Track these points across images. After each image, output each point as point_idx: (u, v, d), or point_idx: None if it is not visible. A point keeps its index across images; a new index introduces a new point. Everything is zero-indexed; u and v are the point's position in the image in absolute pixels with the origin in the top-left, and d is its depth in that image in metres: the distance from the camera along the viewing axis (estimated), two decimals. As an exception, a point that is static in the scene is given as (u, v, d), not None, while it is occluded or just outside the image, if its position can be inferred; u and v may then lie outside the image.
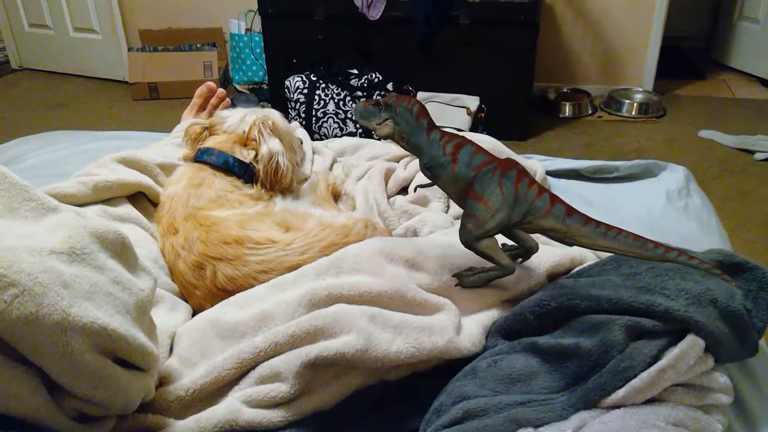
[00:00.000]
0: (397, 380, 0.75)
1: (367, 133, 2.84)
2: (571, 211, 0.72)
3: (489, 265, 0.79)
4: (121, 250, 0.62)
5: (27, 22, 4.10)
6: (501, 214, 0.72)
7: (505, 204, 0.72)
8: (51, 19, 4.00)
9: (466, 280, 0.80)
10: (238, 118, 1.14)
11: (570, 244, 0.74)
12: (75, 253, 0.56)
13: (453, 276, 0.81)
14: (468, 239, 0.75)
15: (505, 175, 0.72)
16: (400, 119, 0.80)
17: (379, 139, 0.82)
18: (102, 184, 0.96)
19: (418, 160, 1.20)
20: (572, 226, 0.71)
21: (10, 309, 0.49)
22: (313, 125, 2.86)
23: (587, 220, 0.71)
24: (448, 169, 0.75)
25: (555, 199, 0.72)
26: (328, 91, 2.85)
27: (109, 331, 0.54)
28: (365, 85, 2.83)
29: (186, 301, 0.90)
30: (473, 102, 2.85)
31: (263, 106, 1.95)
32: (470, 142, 0.76)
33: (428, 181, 0.83)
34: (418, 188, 0.90)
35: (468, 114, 2.82)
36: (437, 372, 0.76)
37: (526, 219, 0.73)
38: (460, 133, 1.05)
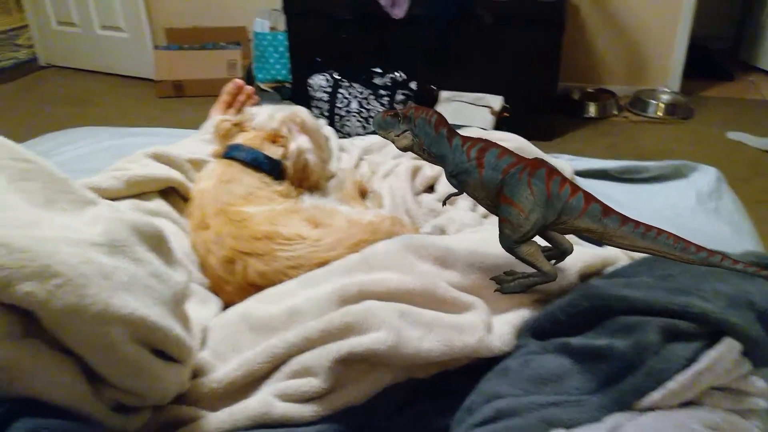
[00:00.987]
0: (427, 378, 0.75)
1: (390, 132, 2.84)
2: (608, 210, 0.70)
3: (529, 269, 0.78)
4: (158, 244, 0.63)
5: (55, 20, 4.17)
6: (534, 214, 0.70)
7: (537, 204, 0.70)
8: (78, 17, 4.06)
9: (506, 286, 0.78)
10: (267, 115, 1.15)
11: (605, 245, 0.73)
12: (114, 245, 0.57)
13: (491, 279, 0.79)
14: (508, 245, 0.73)
15: (533, 174, 0.70)
16: (418, 131, 0.78)
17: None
18: (134, 179, 0.97)
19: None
20: (609, 226, 0.69)
21: (53, 299, 0.49)
22: (336, 124, 2.87)
23: (625, 219, 0.69)
24: (474, 174, 0.74)
25: (590, 198, 0.70)
26: (352, 89, 2.85)
27: (148, 323, 0.55)
28: (389, 83, 2.83)
29: (216, 295, 0.91)
30: (497, 101, 2.84)
31: (287, 104, 1.96)
32: (495, 144, 0.75)
33: (455, 191, 0.82)
34: (446, 200, 0.89)
35: (492, 113, 2.81)
36: (466, 370, 0.76)
37: (560, 219, 0.71)
38: (485, 135, 1.04)
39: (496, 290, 0.79)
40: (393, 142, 0.81)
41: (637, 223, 0.69)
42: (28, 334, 0.51)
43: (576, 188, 0.71)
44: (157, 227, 0.64)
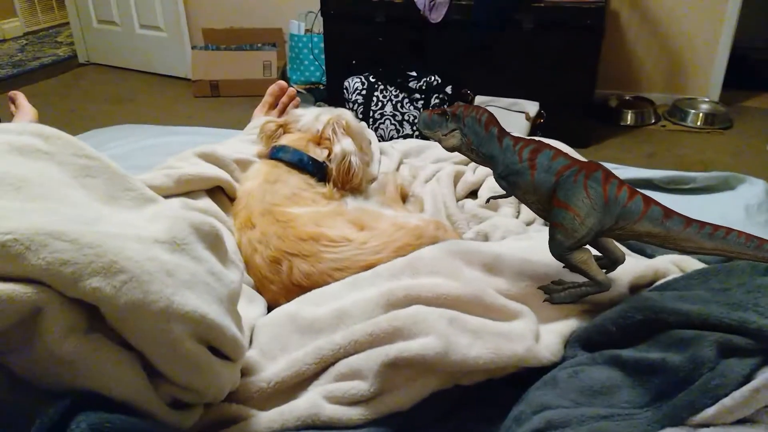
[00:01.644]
0: (472, 385, 0.74)
1: (425, 136, 2.84)
2: (669, 212, 0.68)
3: (579, 278, 0.76)
4: (215, 242, 0.64)
5: (95, 18, 4.25)
6: (591, 219, 0.68)
7: (594, 209, 0.68)
8: (118, 16, 4.14)
9: (556, 296, 0.76)
10: (313, 117, 1.15)
11: (653, 255, 0.71)
12: (176, 242, 0.58)
13: (540, 288, 0.78)
14: (559, 252, 0.71)
15: (590, 177, 0.68)
16: (468, 130, 0.76)
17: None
18: (185, 177, 0.98)
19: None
20: (672, 228, 0.67)
21: (119, 294, 0.50)
22: (370, 126, 2.88)
23: (689, 221, 0.67)
24: (526, 176, 0.72)
25: (650, 201, 0.68)
26: (386, 92, 2.86)
27: (208, 320, 0.55)
28: (423, 87, 2.83)
29: (261, 294, 0.92)
30: (533, 107, 2.81)
31: (320, 106, 1.97)
32: (548, 145, 0.73)
33: (502, 192, 0.79)
34: (491, 199, 0.87)
35: (527, 119, 2.78)
36: (510, 380, 0.75)
37: (618, 224, 0.69)
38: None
39: (545, 300, 0.78)
40: (440, 142, 0.80)
41: (703, 224, 0.67)
42: (92, 329, 0.52)
43: (634, 191, 0.69)
44: (214, 225, 0.64)
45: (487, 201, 0.90)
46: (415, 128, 2.82)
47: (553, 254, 0.73)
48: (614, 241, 0.77)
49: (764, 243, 0.65)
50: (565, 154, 0.72)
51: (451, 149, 0.80)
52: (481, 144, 0.76)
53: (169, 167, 1.00)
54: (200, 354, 0.56)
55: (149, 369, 0.55)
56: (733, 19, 3.24)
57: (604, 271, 0.78)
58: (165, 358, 0.54)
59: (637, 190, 0.69)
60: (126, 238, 0.54)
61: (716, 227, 0.66)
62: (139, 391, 0.54)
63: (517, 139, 0.75)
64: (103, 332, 0.53)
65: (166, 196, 0.96)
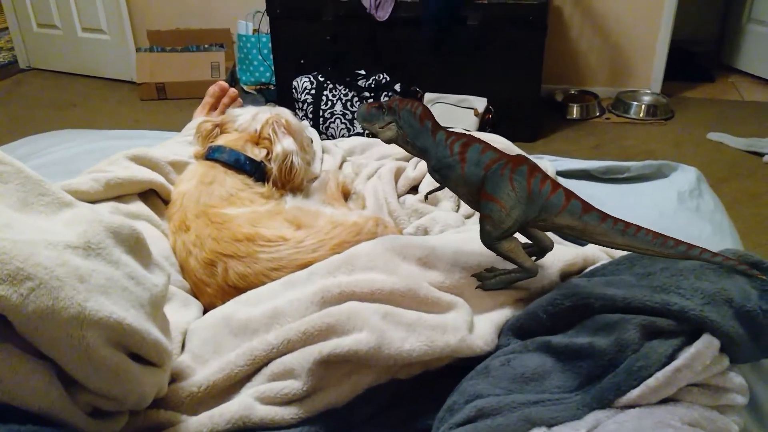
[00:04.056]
0: (409, 379, 0.74)
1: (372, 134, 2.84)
2: (587, 207, 0.70)
3: (510, 266, 0.78)
4: (136, 246, 0.62)
5: (35, 23, 4.12)
6: (516, 211, 0.70)
7: (519, 201, 0.70)
8: (59, 20, 4.02)
9: (488, 283, 0.79)
10: (250, 117, 1.14)
11: (586, 243, 0.73)
12: (91, 247, 0.56)
13: (473, 276, 0.80)
14: (489, 242, 0.74)
15: (515, 171, 0.70)
16: (403, 122, 0.78)
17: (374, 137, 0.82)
18: (114, 181, 0.96)
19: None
20: (589, 223, 0.70)
21: (27, 302, 0.48)
22: (321, 126, 2.87)
23: (604, 216, 0.70)
24: (456, 169, 0.73)
25: (570, 195, 0.70)
26: (336, 91, 2.85)
27: (125, 326, 0.54)
28: (373, 85, 2.83)
29: (197, 298, 0.90)
30: (481, 103, 2.85)
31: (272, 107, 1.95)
32: (478, 140, 0.74)
33: (437, 185, 0.81)
34: (428, 195, 0.89)
35: (476, 115, 2.82)
36: (449, 371, 0.76)
37: (541, 216, 0.71)
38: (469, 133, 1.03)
39: (477, 287, 0.79)
40: (377, 135, 0.81)
41: (616, 220, 0.69)
42: (0, 339, 0.50)
43: (557, 185, 0.71)
44: (135, 229, 0.63)
45: (426, 197, 0.91)
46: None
47: (483, 243, 0.75)
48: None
49: (668, 240, 0.68)
50: (494, 148, 0.73)
51: (388, 141, 0.81)
52: (416, 137, 0.77)
53: (98, 171, 0.98)
54: (118, 360, 0.54)
55: (67, 378, 0.54)
56: (671, 12, 3.34)
57: (534, 258, 0.80)
58: (80, 365, 0.52)
59: (561, 185, 0.71)
60: (35, 244, 0.52)
61: (628, 224, 0.69)
62: (54, 401, 0.52)
63: (450, 134, 0.76)
64: (13, 341, 0.51)
65: (96, 201, 0.93)
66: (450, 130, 0.77)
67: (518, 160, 0.72)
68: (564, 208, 0.70)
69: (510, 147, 1.20)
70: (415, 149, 0.79)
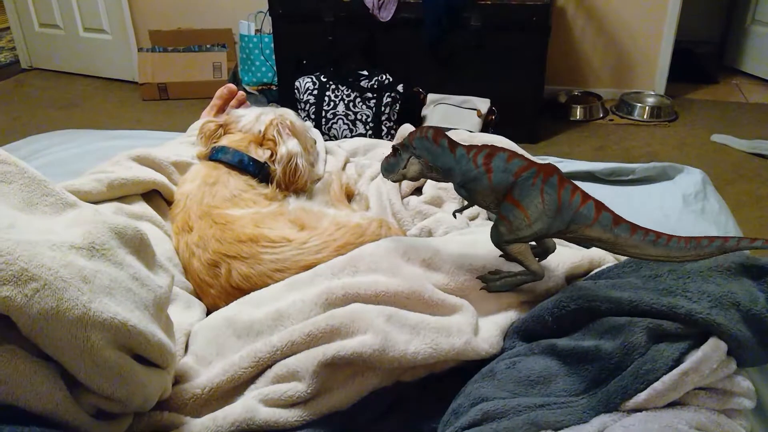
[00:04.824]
0: (414, 381, 0.74)
1: (377, 134, 2.84)
2: (618, 219, 0.68)
3: (515, 268, 0.77)
4: (140, 247, 0.62)
5: (37, 22, 4.12)
6: (539, 224, 0.69)
7: (545, 214, 0.69)
8: (61, 19, 4.02)
9: (492, 285, 0.78)
10: (254, 117, 1.14)
11: (618, 254, 0.71)
12: (95, 248, 0.56)
13: (478, 278, 0.79)
14: (499, 242, 0.73)
15: (546, 181, 0.69)
16: (419, 151, 0.76)
17: (405, 180, 0.81)
18: (117, 182, 0.95)
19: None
20: (620, 235, 0.68)
21: (31, 303, 0.48)
22: (323, 126, 2.86)
23: (635, 228, 0.68)
24: (483, 181, 0.72)
25: (601, 207, 0.69)
26: (338, 92, 2.84)
27: (129, 327, 0.53)
28: (375, 86, 2.83)
29: (200, 299, 0.90)
30: (484, 104, 2.84)
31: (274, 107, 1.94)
32: (501, 149, 0.73)
33: (465, 204, 0.80)
34: (456, 213, 0.87)
35: (478, 116, 2.81)
36: (454, 373, 0.75)
37: (570, 228, 0.70)
38: (471, 137, 1.02)
39: (481, 288, 0.79)
40: (406, 178, 0.79)
41: (647, 231, 0.68)
42: (5, 340, 0.50)
43: (587, 197, 0.69)
44: (139, 230, 0.62)
45: (454, 215, 0.89)
46: (367, 127, 2.82)
47: (492, 242, 0.74)
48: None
49: (702, 240, 0.66)
50: (520, 155, 0.72)
51: (417, 177, 0.79)
52: (436, 159, 0.76)
53: (101, 171, 0.98)
54: (122, 362, 0.54)
55: (71, 379, 0.53)
56: (676, 14, 3.33)
57: (537, 259, 0.80)
58: (84, 367, 0.52)
59: (590, 195, 0.70)
60: (40, 245, 0.52)
61: (659, 235, 0.67)
62: (58, 402, 0.52)
63: (470, 147, 0.75)
64: (18, 343, 0.50)
65: (99, 202, 0.93)
66: (468, 144, 0.76)
67: (549, 169, 0.70)
68: (595, 220, 0.68)
69: (513, 148, 1.19)
70: (439, 172, 0.77)
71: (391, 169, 0.80)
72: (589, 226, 0.69)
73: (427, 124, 2.86)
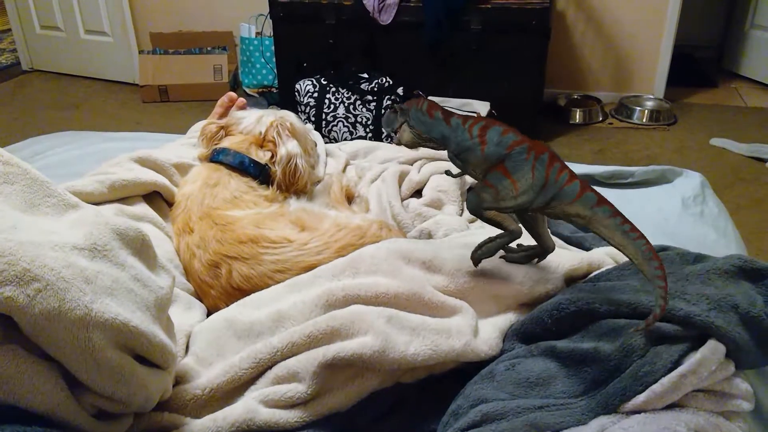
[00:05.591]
0: (414, 382, 0.74)
1: (377, 137, 2.84)
2: (602, 201, 0.70)
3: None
4: (141, 248, 0.62)
5: (38, 24, 4.12)
6: (524, 197, 0.71)
7: (532, 189, 0.71)
8: (62, 21, 4.03)
9: (474, 255, 0.79)
10: (255, 119, 1.14)
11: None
12: (97, 249, 0.56)
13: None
14: (477, 209, 0.74)
15: (538, 158, 0.71)
16: (413, 122, 0.79)
17: (401, 145, 0.83)
18: (118, 183, 0.96)
19: (432, 163, 1.19)
20: (598, 214, 0.70)
21: (33, 304, 0.48)
22: (323, 129, 2.87)
23: (616, 213, 0.70)
24: (476, 151, 0.74)
25: (586, 187, 0.71)
26: (339, 95, 2.85)
27: (131, 328, 0.54)
28: (375, 89, 2.83)
29: (201, 300, 0.90)
30: (484, 107, 2.85)
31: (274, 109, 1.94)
32: (498, 122, 0.75)
33: (457, 171, 0.82)
34: (447, 172, 0.89)
35: (478, 119, 2.81)
36: (453, 375, 0.75)
37: (550, 204, 0.72)
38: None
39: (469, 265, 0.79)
40: (401, 143, 0.82)
41: (624, 220, 0.69)
42: (7, 340, 0.50)
43: (573, 176, 0.72)
44: (141, 231, 0.63)
45: (446, 172, 0.90)
46: (367, 130, 2.83)
47: (469, 209, 0.76)
48: (548, 231, 0.79)
49: (655, 260, 0.67)
50: (514, 130, 0.74)
51: (408, 144, 0.82)
52: (430, 130, 0.79)
53: (102, 173, 0.98)
54: (123, 362, 0.54)
55: (72, 379, 0.53)
56: (675, 18, 3.34)
57: (536, 260, 0.80)
58: (85, 367, 0.52)
59: (577, 175, 0.72)
60: (42, 246, 0.52)
61: (634, 228, 0.69)
62: (59, 402, 0.52)
63: (466, 118, 0.78)
64: (20, 343, 0.51)
65: (100, 203, 0.93)
66: (464, 114, 0.78)
67: (541, 147, 0.72)
68: (578, 197, 0.71)
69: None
70: (434, 142, 0.80)
71: (387, 124, 0.83)
72: (570, 204, 0.71)
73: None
